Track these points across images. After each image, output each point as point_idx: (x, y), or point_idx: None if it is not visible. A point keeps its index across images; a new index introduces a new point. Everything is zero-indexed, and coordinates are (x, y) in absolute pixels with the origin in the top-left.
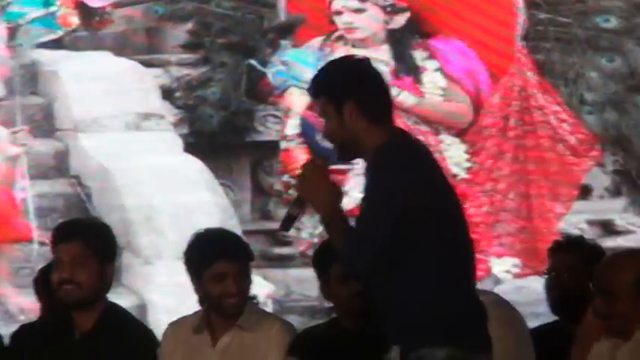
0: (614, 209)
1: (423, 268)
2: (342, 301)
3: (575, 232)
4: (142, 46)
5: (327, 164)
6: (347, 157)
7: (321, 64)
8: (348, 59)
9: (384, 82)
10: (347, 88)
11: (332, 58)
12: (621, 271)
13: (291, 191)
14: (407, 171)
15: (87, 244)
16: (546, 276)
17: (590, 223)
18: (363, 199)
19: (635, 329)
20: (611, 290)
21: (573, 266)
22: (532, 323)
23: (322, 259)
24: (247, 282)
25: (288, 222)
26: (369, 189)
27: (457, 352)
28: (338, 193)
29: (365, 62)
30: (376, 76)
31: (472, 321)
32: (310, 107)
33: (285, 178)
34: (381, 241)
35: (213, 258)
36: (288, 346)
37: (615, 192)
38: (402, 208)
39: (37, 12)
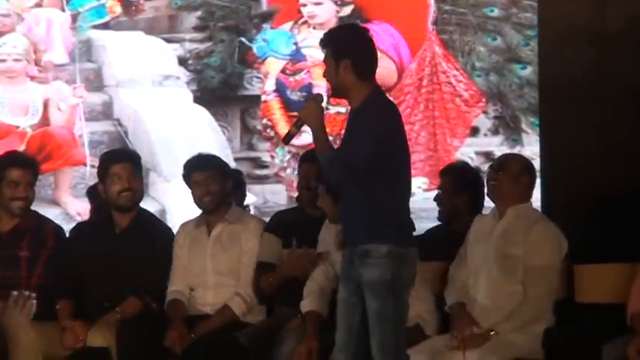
0: (494, 144)
1: (382, 186)
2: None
3: (467, 159)
4: (165, 28)
5: (321, 100)
6: (337, 96)
7: (292, 41)
8: (352, 27)
9: (374, 48)
10: (347, 49)
11: (299, 36)
12: (510, 164)
13: (268, 130)
14: (386, 118)
15: (134, 163)
16: (438, 191)
17: (477, 153)
18: (350, 132)
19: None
20: (500, 178)
21: (454, 185)
22: (433, 223)
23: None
24: (221, 185)
25: (289, 137)
26: (358, 125)
27: (395, 248)
28: (323, 118)
29: (364, 31)
30: (370, 43)
31: (406, 226)
32: (283, 71)
33: (264, 121)
34: (362, 162)
35: (190, 170)
36: (264, 227)
37: (495, 132)
38: (379, 143)
39: (92, 3)
